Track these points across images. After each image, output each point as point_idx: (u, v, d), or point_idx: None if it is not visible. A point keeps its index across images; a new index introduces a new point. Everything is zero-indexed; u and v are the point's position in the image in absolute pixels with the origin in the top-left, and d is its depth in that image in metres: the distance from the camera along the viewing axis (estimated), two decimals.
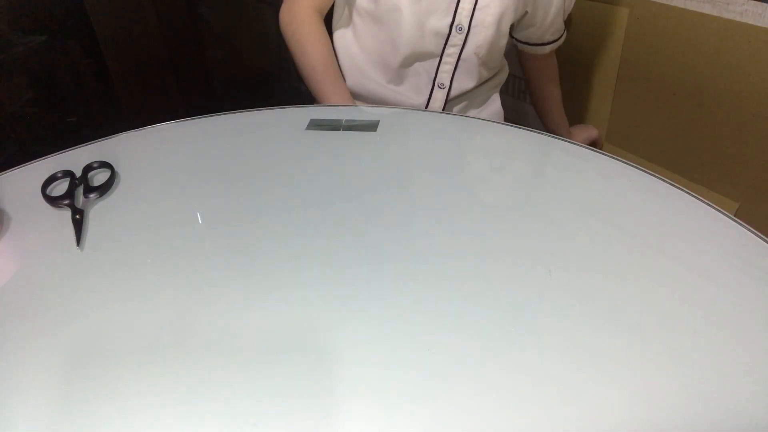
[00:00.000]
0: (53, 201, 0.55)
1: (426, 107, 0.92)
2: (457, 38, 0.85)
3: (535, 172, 0.54)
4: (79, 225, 0.52)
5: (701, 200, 0.51)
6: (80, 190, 0.57)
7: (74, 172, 0.59)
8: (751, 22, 0.91)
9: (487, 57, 0.88)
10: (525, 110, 1.50)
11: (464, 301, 0.42)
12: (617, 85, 1.18)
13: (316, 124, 0.69)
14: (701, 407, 0.35)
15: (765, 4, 0.89)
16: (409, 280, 0.45)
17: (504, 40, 0.88)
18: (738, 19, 0.93)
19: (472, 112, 1.00)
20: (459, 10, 0.82)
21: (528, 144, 0.59)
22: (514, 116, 1.52)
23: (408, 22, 0.82)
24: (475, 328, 0.40)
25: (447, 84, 0.89)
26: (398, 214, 0.52)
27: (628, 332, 0.39)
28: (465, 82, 0.90)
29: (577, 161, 0.57)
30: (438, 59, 0.87)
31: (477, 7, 0.82)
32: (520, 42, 1.02)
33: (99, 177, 0.60)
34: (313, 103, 0.83)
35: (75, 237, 0.51)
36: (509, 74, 1.04)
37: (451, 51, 0.86)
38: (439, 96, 0.91)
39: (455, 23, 0.83)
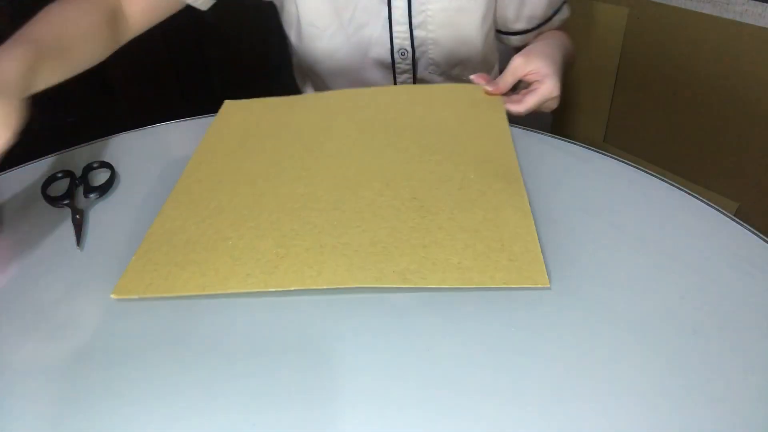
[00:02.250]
0: (53, 201, 0.55)
1: None
2: (404, 64, 0.76)
3: (534, 172, 0.54)
4: (79, 225, 0.52)
5: (701, 200, 0.51)
6: (80, 190, 0.58)
7: (74, 172, 0.59)
8: (751, 22, 0.91)
9: (449, 65, 0.77)
10: None
11: (463, 300, 0.42)
12: (617, 85, 1.18)
13: None
14: (701, 407, 0.35)
15: (765, 4, 0.89)
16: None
17: (471, 45, 0.75)
18: (738, 19, 0.93)
19: None
20: (395, 34, 0.73)
21: (527, 144, 0.59)
22: (513, 116, 1.52)
23: (347, 58, 0.75)
24: (474, 328, 0.40)
25: None
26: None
27: (628, 332, 0.39)
28: None
29: (577, 161, 0.57)
30: None
31: (413, 25, 0.72)
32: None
33: (99, 177, 0.60)
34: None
35: (75, 237, 0.51)
36: None
37: (404, 78, 0.78)
38: None
39: (395, 49, 0.74)
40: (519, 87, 0.67)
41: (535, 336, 0.39)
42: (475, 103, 0.63)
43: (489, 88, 0.64)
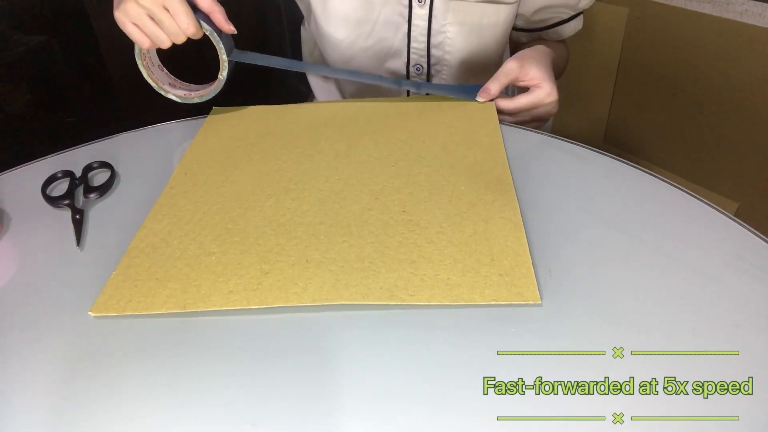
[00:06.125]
0: (53, 201, 0.56)
1: None
2: (418, 78, 0.76)
3: (534, 172, 0.54)
4: (79, 225, 0.52)
5: (701, 200, 0.51)
6: (80, 190, 0.58)
7: (74, 172, 0.59)
8: (751, 22, 0.91)
9: (461, 81, 0.77)
10: None
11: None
12: (617, 85, 1.18)
13: None
14: (700, 408, 0.35)
15: (765, 4, 0.89)
16: None
17: (485, 68, 0.74)
18: (738, 19, 0.93)
19: None
20: (412, 51, 0.73)
21: (527, 144, 0.59)
22: (504, 117, 1.52)
23: (362, 67, 0.76)
24: (474, 327, 0.40)
25: None
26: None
27: (628, 332, 0.39)
28: None
29: (577, 161, 0.57)
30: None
31: (431, 44, 0.72)
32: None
33: (99, 177, 0.60)
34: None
35: (75, 237, 0.51)
36: None
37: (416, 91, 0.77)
38: None
39: (411, 63, 0.74)
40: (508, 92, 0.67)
41: (534, 337, 0.39)
42: (467, 114, 0.63)
43: (481, 98, 0.63)
